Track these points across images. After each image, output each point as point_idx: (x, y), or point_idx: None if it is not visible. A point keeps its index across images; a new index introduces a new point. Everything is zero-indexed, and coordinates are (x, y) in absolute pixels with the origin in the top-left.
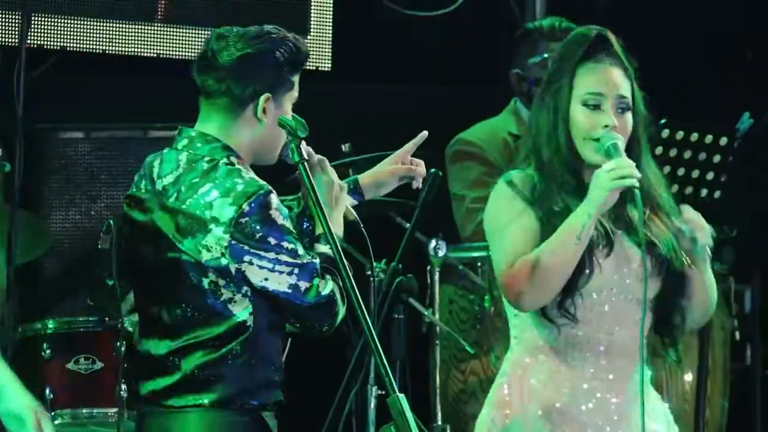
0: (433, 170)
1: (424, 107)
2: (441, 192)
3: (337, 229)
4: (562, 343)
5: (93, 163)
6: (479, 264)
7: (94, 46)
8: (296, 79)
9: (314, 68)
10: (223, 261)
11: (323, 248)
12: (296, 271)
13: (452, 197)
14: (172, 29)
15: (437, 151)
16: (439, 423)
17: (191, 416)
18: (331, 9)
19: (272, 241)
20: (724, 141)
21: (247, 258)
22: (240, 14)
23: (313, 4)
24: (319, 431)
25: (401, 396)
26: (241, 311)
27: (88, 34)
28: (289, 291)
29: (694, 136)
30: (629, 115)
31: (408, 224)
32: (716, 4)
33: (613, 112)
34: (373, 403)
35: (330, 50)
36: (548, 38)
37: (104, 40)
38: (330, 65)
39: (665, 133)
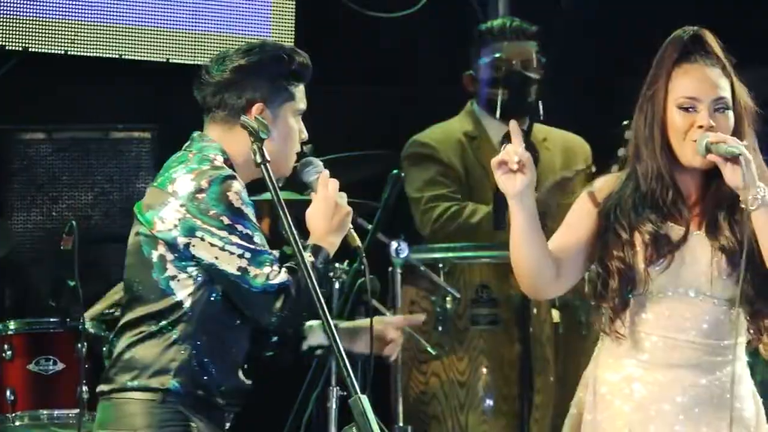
0: (394, 172)
1: (385, 108)
2: (403, 193)
3: (330, 249)
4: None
5: (55, 164)
6: (441, 265)
7: (56, 47)
8: (297, 90)
9: None
10: (174, 233)
11: (305, 255)
12: (247, 255)
13: (409, 199)
14: (133, 31)
15: (398, 152)
16: (401, 424)
17: (116, 402)
18: (293, 10)
19: (225, 220)
20: None
21: (198, 234)
22: (200, 15)
23: (274, 4)
24: None
25: (363, 397)
26: (182, 291)
27: (50, 35)
28: (238, 273)
29: None
30: (729, 114)
31: (370, 225)
32: (676, 5)
33: (710, 113)
34: (334, 404)
35: None
36: (498, 39)
37: (66, 41)
38: None
39: (628, 134)
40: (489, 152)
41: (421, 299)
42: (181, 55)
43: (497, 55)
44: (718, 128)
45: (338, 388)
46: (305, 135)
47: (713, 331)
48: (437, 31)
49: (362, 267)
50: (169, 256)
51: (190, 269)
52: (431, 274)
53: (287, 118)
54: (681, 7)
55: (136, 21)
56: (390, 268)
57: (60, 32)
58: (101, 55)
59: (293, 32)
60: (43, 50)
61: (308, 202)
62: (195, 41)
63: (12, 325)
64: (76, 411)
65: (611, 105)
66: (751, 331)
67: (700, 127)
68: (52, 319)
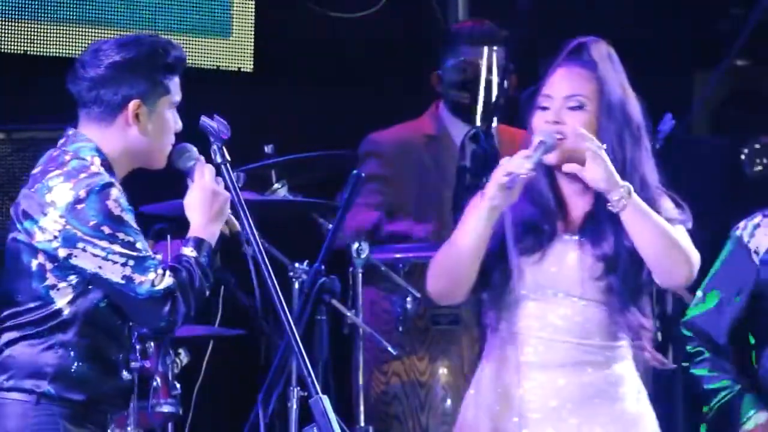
0: (355, 172)
1: (346, 108)
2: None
3: (211, 239)
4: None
5: (14, 164)
6: (401, 265)
7: (16, 46)
8: (173, 83)
9: (236, 69)
10: (54, 244)
11: (185, 250)
12: (131, 263)
13: None
14: (93, 30)
15: (357, 152)
16: (362, 424)
17: None
18: (253, 10)
19: (106, 230)
20: None
21: (80, 245)
22: (159, 16)
23: (234, 4)
24: None
25: (324, 397)
26: (61, 299)
27: (9, 34)
28: (123, 282)
29: None
30: (580, 114)
31: (330, 225)
32: (636, 3)
33: (561, 109)
34: (295, 404)
35: (252, 51)
36: (466, 41)
37: (26, 41)
38: (252, 66)
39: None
40: (449, 152)
41: (382, 299)
42: None
43: (463, 57)
44: (566, 125)
45: (299, 388)
46: (180, 126)
47: (588, 331)
48: (397, 31)
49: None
50: (49, 266)
51: (70, 278)
52: (392, 274)
53: (163, 111)
54: (634, 6)
55: (95, 20)
56: (350, 268)
57: (20, 31)
58: (61, 54)
59: (253, 33)
60: (2, 50)
61: (271, 202)
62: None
63: None
64: None
65: None
66: (627, 332)
67: (547, 122)
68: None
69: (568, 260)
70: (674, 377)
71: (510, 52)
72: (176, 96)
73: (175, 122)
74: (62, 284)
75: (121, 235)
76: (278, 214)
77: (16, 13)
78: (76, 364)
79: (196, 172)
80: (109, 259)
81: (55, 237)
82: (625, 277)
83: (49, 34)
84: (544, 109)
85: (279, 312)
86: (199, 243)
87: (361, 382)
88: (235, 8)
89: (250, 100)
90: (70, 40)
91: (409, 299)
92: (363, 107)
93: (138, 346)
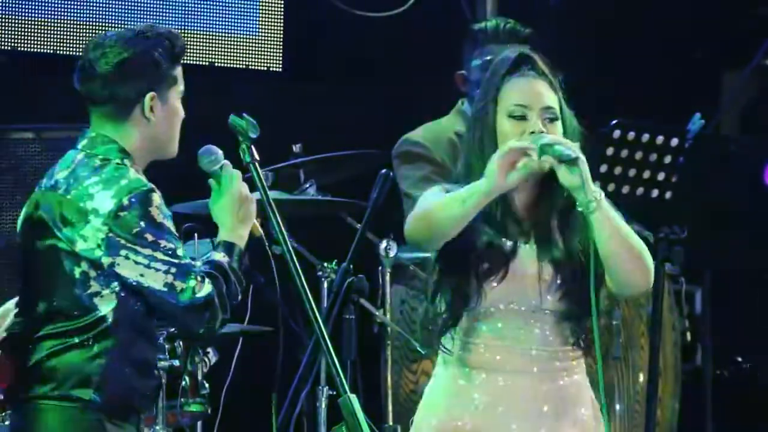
0: (383, 171)
1: (374, 108)
2: (391, 192)
3: (241, 242)
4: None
5: (44, 164)
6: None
7: (46, 47)
8: (178, 72)
9: (265, 68)
10: (97, 253)
11: (217, 256)
12: (173, 270)
13: (403, 195)
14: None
15: (387, 152)
16: (390, 423)
17: (34, 408)
18: (282, 10)
19: (149, 237)
20: (675, 142)
21: (123, 252)
22: (189, 16)
23: (263, 4)
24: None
25: (352, 396)
26: (105, 306)
27: (39, 35)
28: (164, 290)
29: (645, 137)
30: (558, 125)
31: (359, 225)
32: (666, 4)
33: (541, 122)
34: (324, 404)
35: (280, 51)
36: (491, 40)
37: (55, 41)
38: (280, 66)
39: (616, 133)
40: None
41: (411, 298)
42: None
43: (490, 57)
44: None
45: (327, 387)
46: (183, 114)
47: (547, 340)
48: (425, 31)
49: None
50: (93, 273)
51: (113, 285)
52: (421, 272)
53: (174, 101)
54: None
55: (123, 21)
56: (379, 267)
57: (49, 32)
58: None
59: (282, 32)
60: (32, 50)
61: (300, 202)
62: (185, 41)
63: None
64: None
65: (598, 104)
66: (581, 340)
67: (532, 132)
68: None
69: (529, 272)
70: (702, 378)
71: (535, 50)
72: (182, 85)
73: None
74: (106, 291)
75: (163, 243)
76: (307, 214)
77: (46, 13)
78: (119, 369)
79: (224, 175)
80: (151, 267)
81: (99, 245)
82: (581, 285)
83: (76, 34)
84: (521, 118)
85: (308, 311)
86: (229, 247)
87: (389, 381)
88: (264, 8)
89: (278, 99)
90: None
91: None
92: (391, 106)
93: (167, 346)
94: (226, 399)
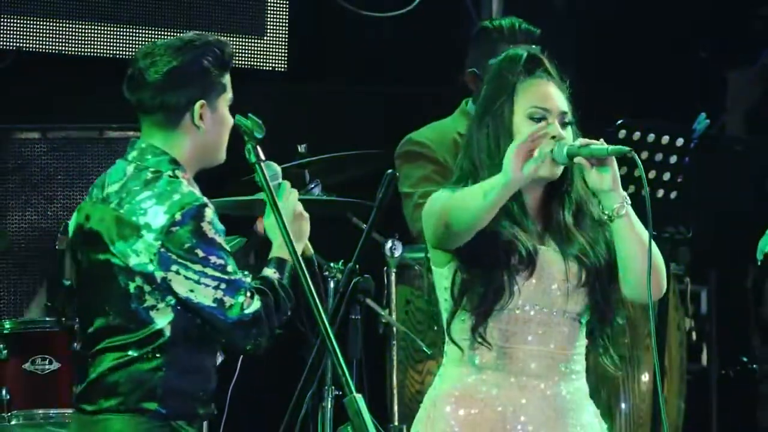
0: (389, 171)
1: (379, 108)
2: (397, 192)
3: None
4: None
5: (49, 164)
6: None
7: (50, 47)
8: (227, 80)
9: (270, 69)
10: (150, 267)
11: (268, 272)
12: (222, 286)
13: (401, 195)
14: (130, 30)
15: (392, 152)
16: (396, 423)
17: (101, 420)
18: (287, 10)
19: (200, 253)
20: (680, 141)
21: (174, 267)
22: (195, 16)
23: (268, 5)
24: (276, 431)
25: (358, 396)
26: (162, 320)
27: (44, 35)
28: (214, 305)
29: (651, 137)
30: (570, 130)
31: (365, 225)
32: (671, 3)
33: (560, 126)
34: (330, 404)
35: (285, 51)
36: (508, 40)
37: (60, 40)
38: (285, 66)
39: (622, 133)
40: None
41: (416, 298)
42: None
43: None
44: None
45: (333, 387)
46: (232, 122)
47: (567, 344)
48: (431, 31)
49: (354, 268)
50: (147, 288)
51: (168, 299)
52: (426, 272)
53: (223, 109)
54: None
55: (129, 21)
56: (385, 267)
57: (54, 32)
58: (95, 55)
59: (287, 32)
60: (37, 50)
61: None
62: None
63: (7, 324)
64: (72, 410)
65: (603, 104)
66: (596, 340)
67: (553, 137)
68: (47, 319)
69: (555, 273)
70: (708, 377)
71: (544, 49)
72: (230, 92)
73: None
74: (161, 305)
75: (213, 258)
76: (312, 214)
77: (52, 12)
78: (180, 380)
79: (281, 192)
80: (201, 283)
81: (151, 260)
82: (602, 283)
83: (85, 35)
84: (541, 120)
85: (314, 311)
86: (280, 264)
87: (395, 381)
88: (269, 8)
89: (284, 100)
90: (106, 40)
91: None
92: (396, 107)
93: None
94: (231, 399)
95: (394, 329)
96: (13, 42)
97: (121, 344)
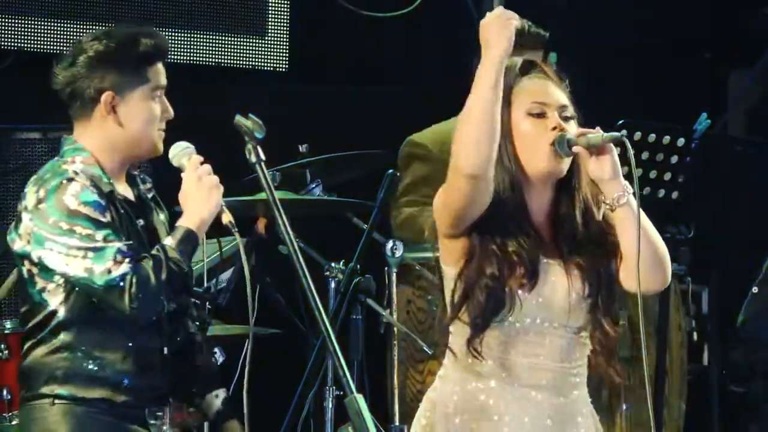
0: (390, 171)
1: (380, 108)
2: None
3: (201, 226)
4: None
5: None
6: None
7: (52, 47)
8: (152, 71)
9: (271, 69)
10: (28, 248)
11: (167, 240)
12: (90, 255)
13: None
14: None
15: (393, 152)
16: (397, 423)
17: (23, 410)
18: (288, 10)
19: (64, 225)
20: (681, 142)
21: (47, 245)
22: (196, 16)
23: (269, 5)
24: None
25: (359, 396)
26: (54, 300)
27: (45, 35)
28: (85, 275)
29: (652, 137)
30: (573, 124)
31: (365, 225)
32: (673, 4)
33: (560, 118)
34: (331, 404)
35: (286, 51)
36: (517, 42)
37: (61, 40)
38: (286, 66)
39: (623, 133)
40: None
41: (417, 298)
42: (178, 55)
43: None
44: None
45: (334, 387)
46: (170, 114)
47: (566, 356)
48: (432, 31)
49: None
50: (35, 270)
51: (55, 278)
52: (427, 272)
53: (143, 101)
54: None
55: (131, 22)
56: (386, 267)
57: (55, 32)
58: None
59: (288, 32)
60: (38, 50)
61: (306, 202)
62: (191, 41)
63: (8, 324)
64: None
65: (602, 104)
66: (599, 352)
67: (554, 129)
68: None
69: (559, 288)
70: (708, 377)
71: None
72: (158, 83)
73: (164, 110)
74: (51, 285)
75: (78, 229)
76: (313, 214)
77: (52, 13)
78: (84, 363)
79: (189, 163)
80: (70, 254)
81: (29, 241)
82: (606, 296)
83: (82, 34)
84: (540, 115)
85: (315, 311)
86: (180, 232)
87: (396, 381)
88: (270, 8)
89: (285, 100)
90: None
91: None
92: (397, 106)
93: None
94: (232, 399)
95: (395, 329)
96: (13, 42)
97: (29, 328)
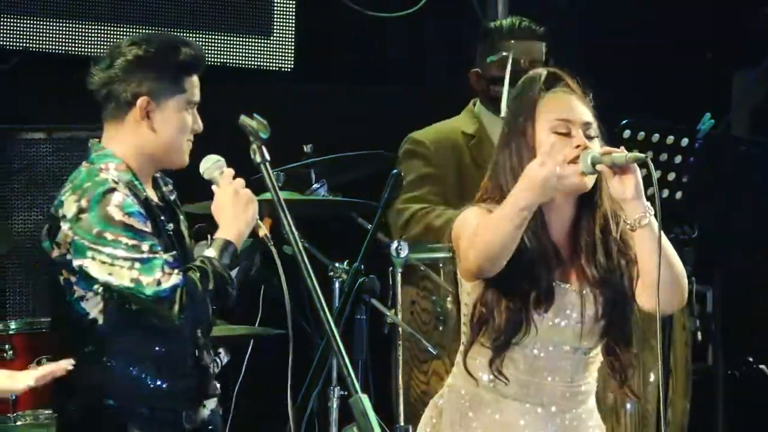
0: (394, 171)
1: (385, 108)
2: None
3: (238, 238)
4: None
5: (55, 164)
6: (441, 265)
7: (55, 48)
8: (188, 82)
9: (276, 69)
10: (68, 257)
11: (208, 251)
12: (137, 265)
13: None
14: (136, 29)
15: (397, 152)
16: (402, 424)
17: (60, 420)
18: (294, 10)
19: (109, 236)
20: (685, 141)
21: (89, 254)
22: (200, 16)
23: (274, 5)
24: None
25: (363, 396)
26: (93, 309)
27: (50, 35)
28: (132, 285)
29: (656, 137)
30: (597, 142)
31: (370, 225)
32: (674, 4)
33: (584, 135)
34: (335, 404)
35: (292, 51)
36: (507, 37)
37: (66, 41)
38: (292, 66)
39: (626, 133)
40: (487, 151)
41: (422, 299)
42: None
43: (505, 53)
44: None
45: (339, 387)
46: (199, 127)
47: (576, 375)
48: (437, 31)
49: (360, 268)
50: (73, 279)
51: (95, 287)
52: (431, 273)
53: (178, 111)
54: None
55: (135, 21)
56: (390, 268)
57: (60, 32)
58: (100, 55)
59: (294, 32)
60: (42, 50)
61: (311, 202)
62: (196, 41)
63: (13, 324)
64: None
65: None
66: (614, 373)
67: (578, 147)
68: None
69: (573, 313)
70: (714, 377)
71: (548, 48)
72: (193, 96)
73: (194, 122)
74: (89, 294)
75: (123, 239)
76: (318, 214)
77: (57, 13)
78: (126, 372)
79: (223, 178)
80: (116, 264)
81: (68, 250)
82: (620, 320)
83: (89, 34)
84: (566, 134)
85: (319, 311)
86: (219, 244)
87: (400, 381)
88: (276, 8)
89: (290, 100)
90: (111, 39)
91: (449, 299)
92: (402, 107)
93: None
94: (237, 399)
95: (400, 330)
96: (18, 43)
97: (66, 339)
